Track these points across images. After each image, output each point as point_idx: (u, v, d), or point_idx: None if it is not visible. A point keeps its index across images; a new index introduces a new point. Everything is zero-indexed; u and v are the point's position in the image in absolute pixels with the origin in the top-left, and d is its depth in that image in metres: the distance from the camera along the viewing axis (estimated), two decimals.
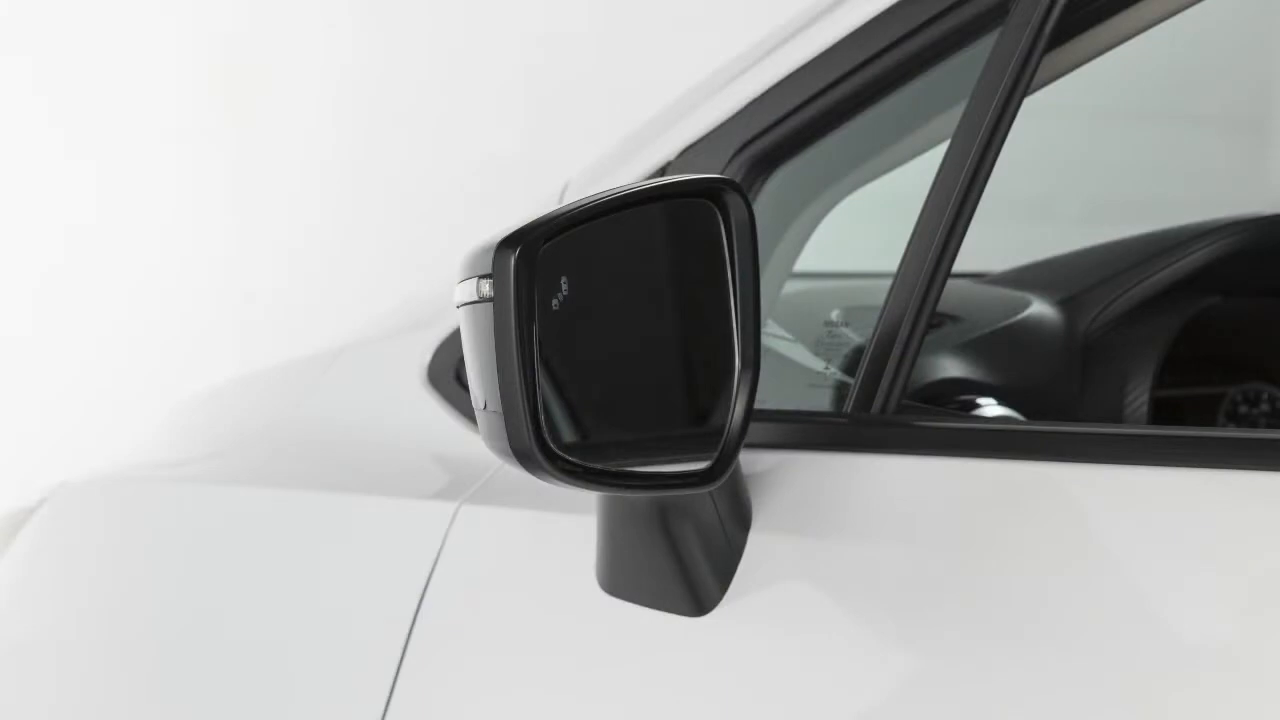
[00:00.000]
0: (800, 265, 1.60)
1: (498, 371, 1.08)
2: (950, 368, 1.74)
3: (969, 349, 1.78)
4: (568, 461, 1.09)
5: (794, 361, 1.59)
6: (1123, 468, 1.14)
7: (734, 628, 1.25)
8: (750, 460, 1.31)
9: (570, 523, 1.39)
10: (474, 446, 1.58)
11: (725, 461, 1.14)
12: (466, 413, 1.61)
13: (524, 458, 1.08)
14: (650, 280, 1.16)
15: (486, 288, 1.09)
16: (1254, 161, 4.13)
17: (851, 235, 1.94)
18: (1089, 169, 4.07)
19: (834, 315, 1.62)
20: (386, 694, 1.47)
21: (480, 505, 1.50)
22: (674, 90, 1.66)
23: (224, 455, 1.83)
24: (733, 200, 1.14)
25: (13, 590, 1.90)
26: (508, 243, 1.08)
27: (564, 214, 1.10)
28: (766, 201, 1.47)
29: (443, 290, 1.64)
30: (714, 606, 1.26)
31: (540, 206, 1.27)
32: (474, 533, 1.48)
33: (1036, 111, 1.50)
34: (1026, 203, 3.67)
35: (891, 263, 1.30)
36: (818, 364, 1.59)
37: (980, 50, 1.31)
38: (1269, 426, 2.03)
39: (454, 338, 1.67)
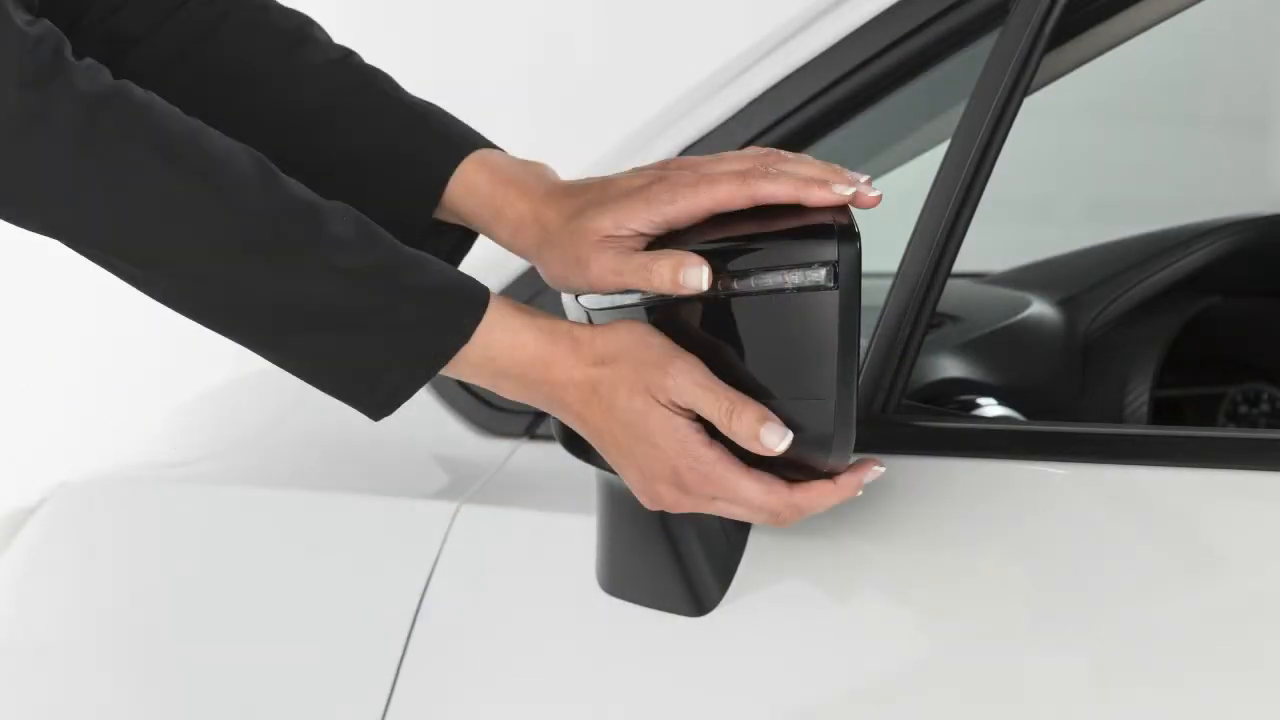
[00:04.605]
0: None
1: (839, 358, 1.10)
2: (950, 368, 1.74)
3: (969, 349, 1.78)
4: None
5: None
6: (1123, 468, 1.14)
7: (734, 628, 1.25)
8: None
9: (570, 523, 1.39)
10: (474, 447, 1.58)
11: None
12: (467, 412, 1.61)
13: (845, 442, 1.13)
14: None
15: (822, 275, 1.10)
16: (1254, 161, 4.13)
17: None
18: (1089, 169, 4.07)
19: None
20: (386, 694, 1.47)
21: (480, 505, 1.50)
22: (674, 90, 1.66)
23: (224, 455, 1.83)
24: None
25: (12, 590, 1.90)
26: (848, 234, 1.10)
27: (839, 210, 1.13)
28: None
29: None
30: (714, 606, 1.26)
31: None
32: (474, 533, 1.48)
33: (1036, 111, 1.50)
34: (1026, 203, 3.67)
35: (891, 263, 1.30)
36: None
37: (980, 50, 1.31)
38: (1269, 426, 2.03)
39: None
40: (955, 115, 1.28)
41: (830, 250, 1.10)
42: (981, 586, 1.15)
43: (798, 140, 1.44)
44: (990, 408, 1.73)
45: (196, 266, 1.12)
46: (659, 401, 1.13)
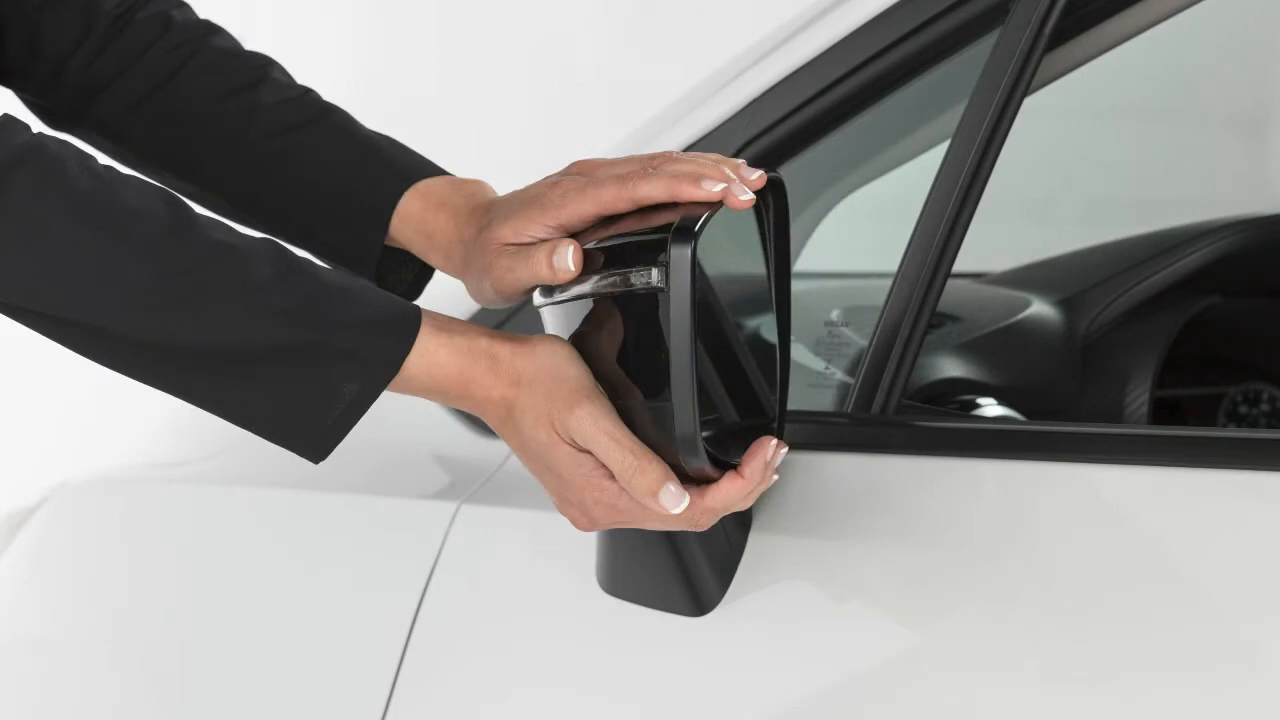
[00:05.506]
0: (800, 265, 1.60)
1: (671, 361, 1.09)
2: (950, 368, 1.74)
3: (969, 349, 1.78)
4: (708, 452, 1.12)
5: (794, 361, 1.59)
6: (1123, 468, 1.14)
7: (734, 628, 1.26)
8: None
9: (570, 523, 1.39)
10: (474, 447, 1.58)
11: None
12: (466, 413, 1.61)
13: (688, 444, 1.10)
14: (735, 272, 1.19)
15: (654, 276, 1.10)
16: (1254, 161, 4.12)
17: (851, 235, 1.94)
18: (1089, 169, 4.07)
19: (834, 315, 1.62)
20: (386, 694, 1.47)
21: (480, 505, 1.50)
22: (674, 90, 1.66)
23: (224, 455, 1.83)
24: (776, 192, 1.17)
25: (12, 590, 1.90)
26: (681, 235, 1.09)
27: (713, 205, 1.12)
28: None
29: (444, 291, 1.64)
30: (714, 606, 1.26)
31: None
32: (474, 533, 1.48)
33: (1036, 111, 1.50)
34: (1026, 203, 3.67)
35: (891, 263, 1.30)
36: (818, 364, 1.59)
37: (980, 50, 1.31)
38: (1269, 426, 2.03)
39: None
40: (955, 115, 1.28)
41: (664, 251, 1.10)
42: (981, 586, 1.15)
43: (798, 140, 1.44)
44: (990, 408, 1.73)
45: (113, 321, 1.11)
46: (562, 439, 1.14)
